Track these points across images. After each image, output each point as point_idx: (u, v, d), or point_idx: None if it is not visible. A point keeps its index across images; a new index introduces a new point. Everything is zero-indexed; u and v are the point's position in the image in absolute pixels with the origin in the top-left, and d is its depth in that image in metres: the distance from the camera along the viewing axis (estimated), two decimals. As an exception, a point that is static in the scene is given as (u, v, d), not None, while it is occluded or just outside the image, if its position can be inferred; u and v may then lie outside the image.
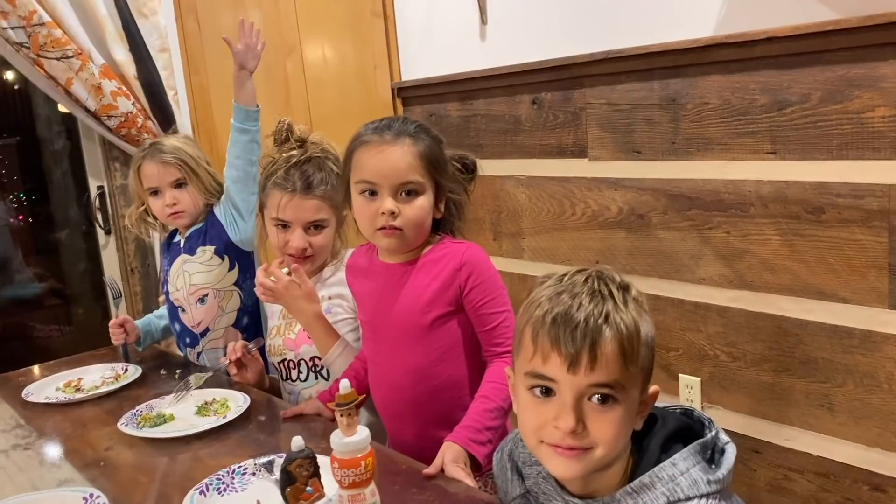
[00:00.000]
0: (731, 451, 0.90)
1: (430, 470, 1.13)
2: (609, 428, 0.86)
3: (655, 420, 0.93)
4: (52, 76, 2.37)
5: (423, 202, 1.28)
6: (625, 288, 0.90)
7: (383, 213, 1.26)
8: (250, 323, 1.86)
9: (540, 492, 0.97)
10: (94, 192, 2.66)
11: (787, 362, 1.82)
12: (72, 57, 2.38)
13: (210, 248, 1.82)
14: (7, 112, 3.05)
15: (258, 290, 1.54)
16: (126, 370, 1.77)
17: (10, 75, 2.93)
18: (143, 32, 2.51)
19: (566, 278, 0.91)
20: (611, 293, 0.88)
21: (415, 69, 2.70)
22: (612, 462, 0.89)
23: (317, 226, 1.58)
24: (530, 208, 2.37)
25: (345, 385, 0.94)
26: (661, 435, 0.91)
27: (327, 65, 2.75)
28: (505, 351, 1.28)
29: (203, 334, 1.86)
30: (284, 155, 1.57)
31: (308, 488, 0.79)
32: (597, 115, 2.12)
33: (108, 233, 2.69)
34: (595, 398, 0.86)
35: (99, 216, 2.66)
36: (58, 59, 2.37)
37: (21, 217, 3.15)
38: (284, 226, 1.57)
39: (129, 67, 2.50)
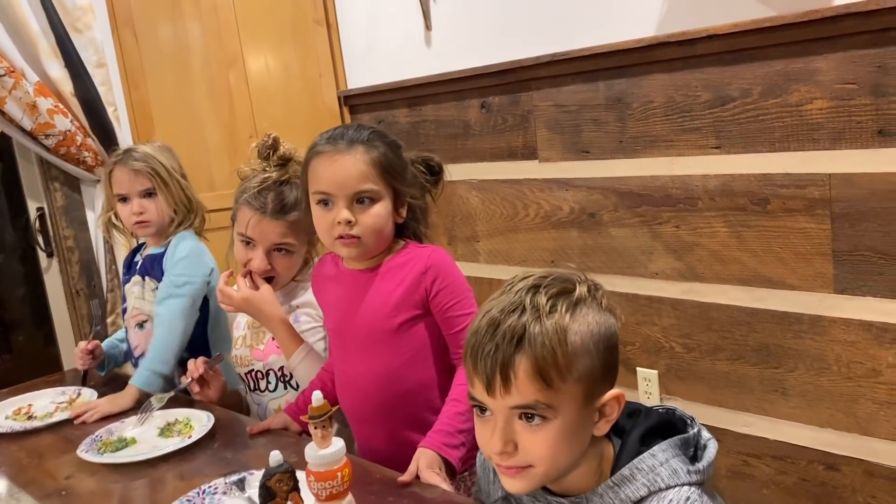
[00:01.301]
0: (712, 447, 0.91)
1: (406, 477, 1.12)
2: (541, 446, 0.86)
3: (638, 414, 0.94)
4: (-16, 96, 2.30)
5: (380, 209, 1.27)
6: (562, 294, 0.88)
7: (339, 222, 1.25)
8: (186, 358, 1.72)
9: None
10: (33, 213, 2.58)
11: (740, 350, 1.87)
12: (4, 75, 2.31)
13: (154, 283, 1.77)
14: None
15: (219, 297, 1.52)
16: (79, 394, 1.72)
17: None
18: (78, 48, 2.45)
19: (510, 287, 0.91)
20: (535, 306, 0.86)
21: (361, 77, 2.70)
22: (576, 464, 0.90)
23: (281, 249, 1.55)
24: (483, 211, 2.39)
25: (317, 397, 0.93)
26: (640, 429, 0.92)
27: (271, 75, 2.73)
28: None
29: (139, 359, 1.79)
30: (263, 175, 1.53)
31: (289, 502, 0.78)
32: (545, 117, 2.15)
33: (49, 255, 2.60)
34: (523, 418, 0.87)
35: (40, 238, 2.58)
36: (-10, 77, 2.29)
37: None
38: (249, 242, 1.55)
39: (66, 84, 2.43)
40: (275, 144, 1.54)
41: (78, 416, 1.55)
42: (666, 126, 1.90)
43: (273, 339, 1.55)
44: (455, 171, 2.45)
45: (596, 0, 1.99)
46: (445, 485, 1.12)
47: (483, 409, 0.90)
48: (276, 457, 0.80)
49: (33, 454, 1.39)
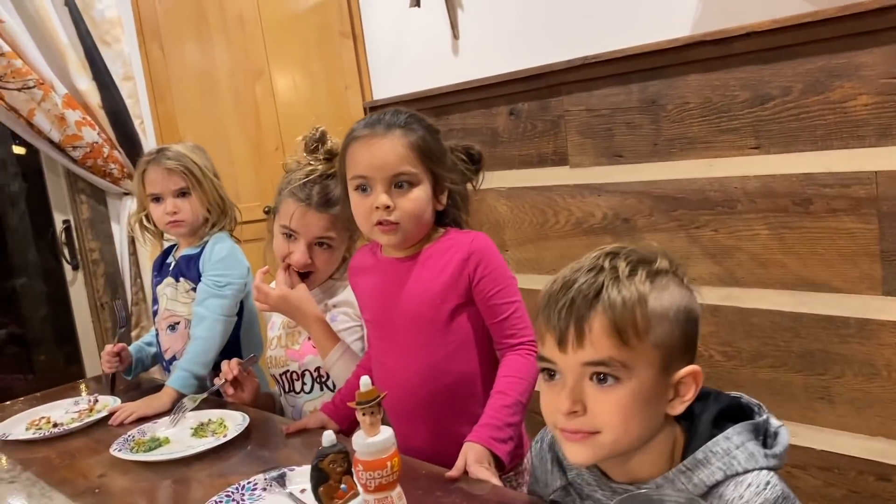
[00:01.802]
0: (785, 433, 0.86)
1: (454, 472, 1.08)
2: (611, 410, 0.82)
3: (708, 396, 0.90)
4: (13, 108, 2.31)
5: (419, 194, 1.24)
6: (642, 262, 0.85)
7: (377, 207, 1.22)
8: (218, 361, 1.69)
9: (584, 482, 0.93)
10: (59, 226, 2.57)
11: (783, 357, 1.81)
12: (33, 87, 2.31)
13: (189, 285, 1.75)
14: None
15: (255, 294, 1.49)
16: (97, 401, 1.68)
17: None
18: (106, 61, 2.47)
19: (582, 259, 0.88)
20: (614, 267, 0.84)
21: (387, 87, 2.68)
22: (643, 445, 0.85)
23: (323, 243, 1.53)
24: (512, 219, 2.35)
25: (365, 382, 0.89)
26: (711, 411, 0.87)
27: (297, 87, 2.72)
28: (518, 343, 1.24)
29: (171, 361, 1.77)
30: (308, 168, 1.51)
31: (342, 486, 0.74)
32: (576, 122, 2.12)
33: (75, 268, 2.59)
34: (594, 378, 0.82)
35: (66, 251, 2.57)
36: (19, 89, 2.30)
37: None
38: (291, 235, 1.52)
39: (94, 96, 2.44)
40: (322, 138, 1.52)
41: (114, 417, 1.52)
42: (703, 127, 1.86)
43: (309, 339, 1.52)
44: (483, 180, 2.44)
45: (627, 2, 1.97)
46: (495, 479, 1.07)
47: (552, 374, 0.86)
48: (329, 437, 0.76)
49: (64, 455, 1.36)
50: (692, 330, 0.86)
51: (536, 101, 2.21)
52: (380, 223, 1.23)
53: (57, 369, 2.94)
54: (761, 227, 1.80)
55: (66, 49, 2.38)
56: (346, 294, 1.53)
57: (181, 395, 1.54)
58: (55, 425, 1.56)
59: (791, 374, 1.80)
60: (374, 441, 0.87)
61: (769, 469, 0.82)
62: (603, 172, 2.09)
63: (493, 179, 2.36)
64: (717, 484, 0.82)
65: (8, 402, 1.78)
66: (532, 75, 2.16)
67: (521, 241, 2.34)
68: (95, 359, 2.55)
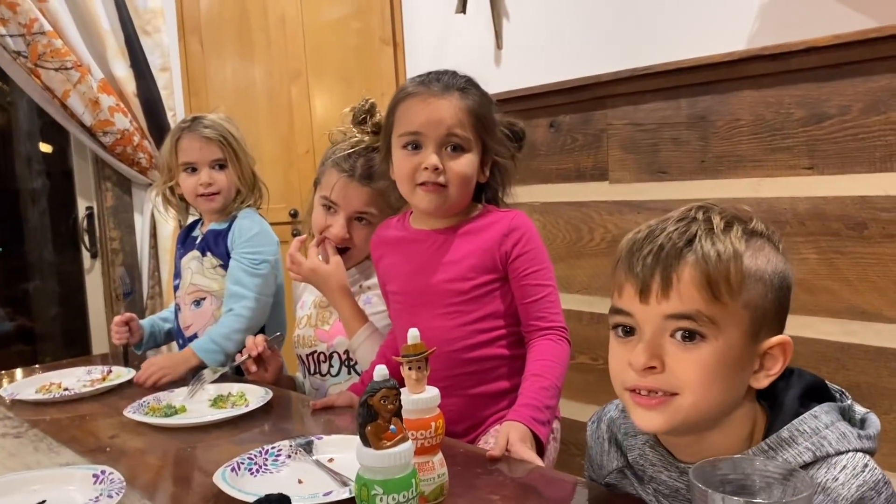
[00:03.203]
0: (875, 419, 0.78)
1: (496, 451, 1.00)
2: (692, 369, 0.74)
3: (791, 374, 0.82)
4: (49, 87, 2.29)
5: (470, 159, 1.20)
6: (737, 219, 0.78)
7: (426, 167, 1.17)
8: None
9: (647, 463, 0.84)
10: (82, 212, 2.53)
11: (826, 389, 1.72)
12: (70, 68, 2.29)
13: (217, 261, 1.68)
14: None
15: (288, 263, 1.43)
16: (111, 372, 1.60)
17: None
18: (145, 49, 2.45)
19: (672, 212, 0.81)
20: (707, 219, 0.76)
21: (424, 97, 2.65)
22: (720, 419, 0.77)
23: (362, 218, 1.47)
24: (545, 235, 2.28)
25: (413, 335, 0.82)
26: (797, 388, 0.80)
27: (333, 92, 2.69)
28: (547, 326, 1.19)
29: (190, 339, 1.68)
30: (355, 138, 1.47)
31: (392, 427, 0.66)
32: (619, 136, 2.07)
33: (94, 256, 2.54)
34: (678, 334, 0.75)
35: (86, 238, 2.52)
36: (56, 69, 2.28)
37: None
38: (330, 207, 1.46)
39: (129, 84, 2.42)
40: (371, 109, 1.49)
41: (140, 374, 1.46)
42: (753, 145, 1.80)
43: (340, 320, 1.45)
44: (517, 193, 2.37)
45: (680, 15, 1.94)
46: (538, 460, 0.99)
47: (626, 329, 0.78)
48: (381, 371, 0.69)
49: (74, 418, 1.28)
50: (785, 298, 0.78)
51: (578, 113, 2.16)
52: (424, 183, 1.18)
53: (61, 356, 2.86)
54: (810, 251, 1.73)
55: (107, 34, 2.37)
56: None
57: (200, 364, 1.46)
58: (66, 390, 1.49)
59: (834, 407, 1.71)
60: (419, 398, 0.79)
61: (864, 451, 0.74)
62: (644, 189, 2.03)
63: (527, 193, 2.31)
64: (805, 466, 0.74)
65: (15, 370, 1.70)
66: (576, 87, 2.11)
67: (553, 259, 2.22)
68: (107, 348, 2.48)
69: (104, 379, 1.55)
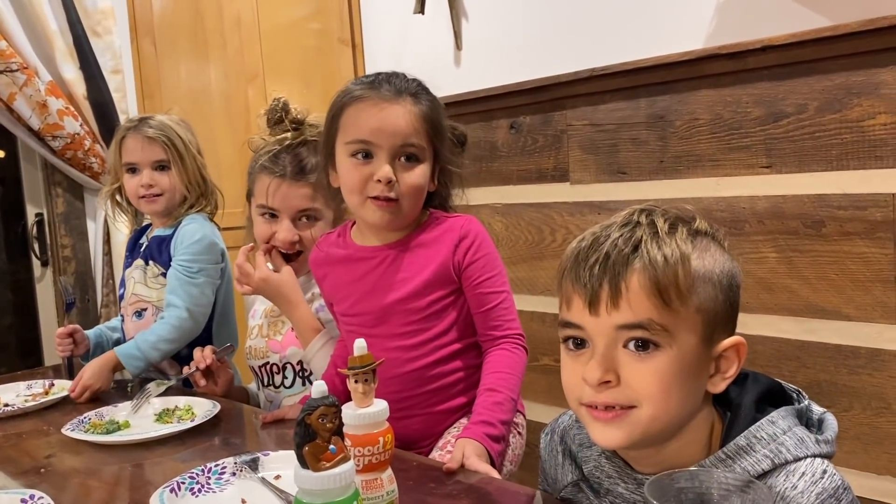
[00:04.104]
0: (832, 420, 0.77)
1: (452, 464, 0.97)
2: (649, 380, 0.71)
3: (745, 378, 0.80)
4: (-7, 90, 2.21)
5: (423, 170, 1.15)
6: (680, 220, 0.76)
7: (379, 180, 1.12)
8: (187, 354, 1.58)
9: (603, 475, 0.82)
10: (31, 219, 2.45)
11: (787, 388, 1.72)
12: (16, 70, 2.22)
13: (159, 269, 1.63)
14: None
15: (235, 273, 1.38)
16: (52, 385, 1.54)
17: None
18: (95, 51, 2.38)
19: (613, 216, 0.79)
20: (651, 223, 0.74)
21: (383, 98, 2.61)
22: (679, 429, 0.75)
23: (308, 216, 1.42)
24: (507, 237, 2.26)
25: (360, 345, 0.79)
26: (753, 393, 0.78)
27: (291, 94, 2.62)
28: (502, 336, 1.16)
29: None
30: (277, 139, 1.43)
31: (332, 447, 0.63)
32: (579, 137, 2.05)
33: (44, 264, 2.46)
34: (631, 345, 0.72)
35: (36, 246, 2.44)
36: (1, 72, 2.20)
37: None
38: (272, 215, 1.41)
39: (79, 86, 2.35)
40: (285, 107, 1.44)
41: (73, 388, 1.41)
42: (712, 145, 1.79)
43: (293, 330, 1.41)
44: (478, 195, 2.36)
45: (639, 14, 1.93)
46: (494, 473, 0.96)
47: (577, 342, 0.75)
48: (320, 387, 0.65)
49: (10, 436, 1.22)
50: (735, 298, 0.77)
51: (539, 114, 2.14)
52: (376, 197, 1.13)
53: (16, 367, 2.78)
54: (769, 250, 1.73)
55: (55, 35, 2.30)
56: None
57: (146, 377, 1.41)
58: (6, 405, 1.43)
59: (795, 406, 1.71)
60: (366, 412, 0.76)
61: (822, 456, 0.72)
62: (605, 189, 2.01)
63: (488, 195, 2.30)
64: (764, 474, 0.72)
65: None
66: (536, 87, 2.10)
67: (515, 260, 2.25)
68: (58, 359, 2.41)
69: (46, 393, 1.49)
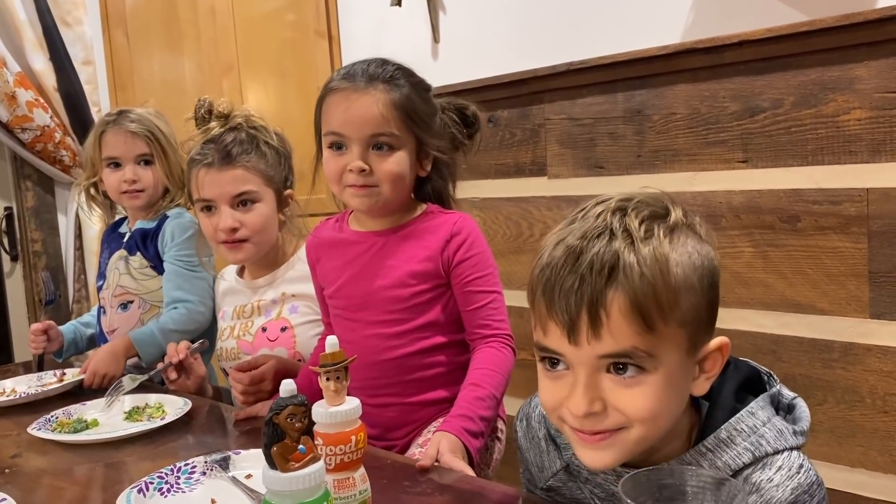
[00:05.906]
0: (804, 406, 0.77)
1: (426, 461, 0.96)
2: (637, 405, 0.69)
3: (727, 366, 0.79)
4: (-41, 81, 2.16)
5: (400, 157, 1.14)
6: (656, 217, 0.72)
7: (351, 170, 1.11)
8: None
9: (582, 464, 0.80)
10: (0, 213, 2.40)
11: (762, 382, 1.73)
12: (-17, 62, 2.17)
13: (146, 262, 1.60)
14: None
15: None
16: (64, 374, 1.51)
17: None
18: (66, 42, 2.33)
19: (582, 213, 0.75)
20: (626, 229, 0.69)
21: (360, 91, 2.59)
22: (666, 434, 0.74)
23: (245, 201, 1.39)
24: (485, 231, 2.21)
25: (332, 342, 0.77)
26: (733, 383, 0.77)
27: (266, 86, 2.62)
28: (491, 334, 1.15)
29: None
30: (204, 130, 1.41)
31: (301, 447, 0.61)
32: (556, 131, 2.05)
33: (14, 259, 2.42)
34: (614, 370, 0.70)
35: (5, 240, 2.40)
36: (-33, 62, 2.15)
37: None
38: (209, 208, 1.39)
39: (49, 78, 2.31)
40: (210, 106, 1.42)
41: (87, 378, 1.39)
42: (689, 139, 1.79)
43: (263, 330, 1.39)
44: (456, 190, 2.35)
45: (616, 8, 1.92)
46: (469, 470, 0.95)
47: (554, 362, 0.72)
48: (288, 386, 0.64)
49: (-27, 436, 1.19)
50: (715, 296, 0.75)
51: (517, 108, 2.13)
52: (353, 185, 1.13)
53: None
54: (745, 244, 1.73)
55: (23, 25, 2.25)
56: (304, 285, 1.40)
57: (135, 354, 1.39)
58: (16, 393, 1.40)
59: (770, 400, 1.72)
60: (338, 410, 0.74)
61: (799, 448, 0.72)
62: (582, 184, 2.01)
63: (467, 189, 2.27)
64: (744, 467, 0.71)
65: None
66: (513, 81, 2.09)
67: (494, 255, 2.23)
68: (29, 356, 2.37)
69: (13, 392, 1.46)
